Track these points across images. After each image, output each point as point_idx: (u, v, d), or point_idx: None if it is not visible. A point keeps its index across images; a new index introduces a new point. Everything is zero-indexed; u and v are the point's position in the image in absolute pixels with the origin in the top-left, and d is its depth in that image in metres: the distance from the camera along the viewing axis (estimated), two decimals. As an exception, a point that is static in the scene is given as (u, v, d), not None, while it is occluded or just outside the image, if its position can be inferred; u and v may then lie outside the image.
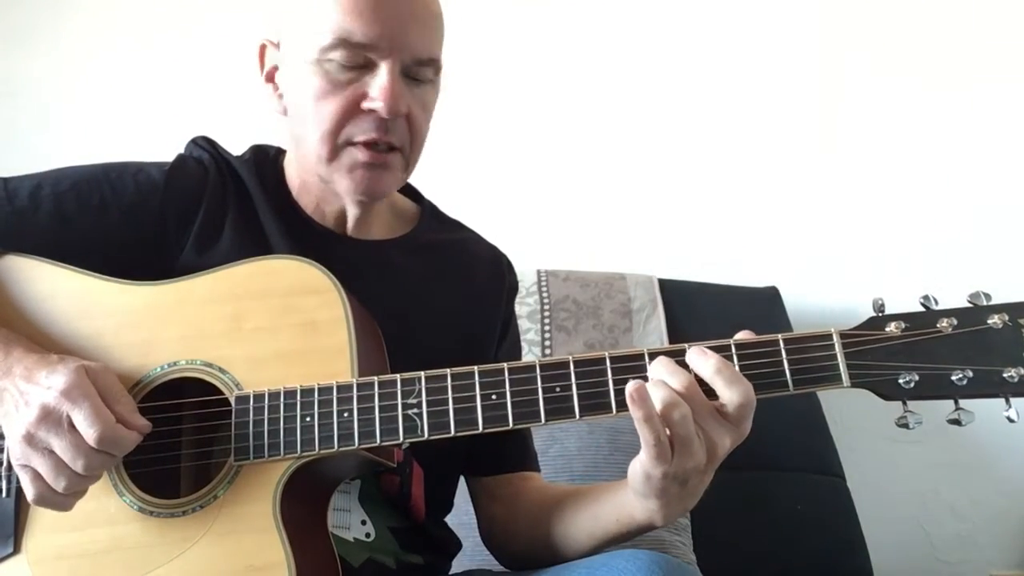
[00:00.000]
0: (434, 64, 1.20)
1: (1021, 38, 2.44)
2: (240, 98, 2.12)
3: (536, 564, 1.24)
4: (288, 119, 1.24)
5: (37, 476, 1.01)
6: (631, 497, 1.09)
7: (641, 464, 1.02)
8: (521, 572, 1.29)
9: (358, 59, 1.15)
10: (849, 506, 2.01)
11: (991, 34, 2.44)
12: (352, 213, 1.27)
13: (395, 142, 1.18)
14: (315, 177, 1.24)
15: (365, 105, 1.15)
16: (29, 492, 1.02)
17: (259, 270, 1.14)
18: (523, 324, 2.05)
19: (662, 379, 0.99)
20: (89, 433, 0.98)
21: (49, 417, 0.99)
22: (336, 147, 1.18)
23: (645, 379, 0.99)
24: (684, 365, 1.00)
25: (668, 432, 0.98)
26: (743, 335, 1.03)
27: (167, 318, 1.13)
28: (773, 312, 2.29)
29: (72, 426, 0.99)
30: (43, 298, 1.15)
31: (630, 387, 0.97)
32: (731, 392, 0.98)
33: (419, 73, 1.18)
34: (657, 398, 0.97)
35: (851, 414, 2.25)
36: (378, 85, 1.14)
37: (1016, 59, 2.43)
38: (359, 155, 1.17)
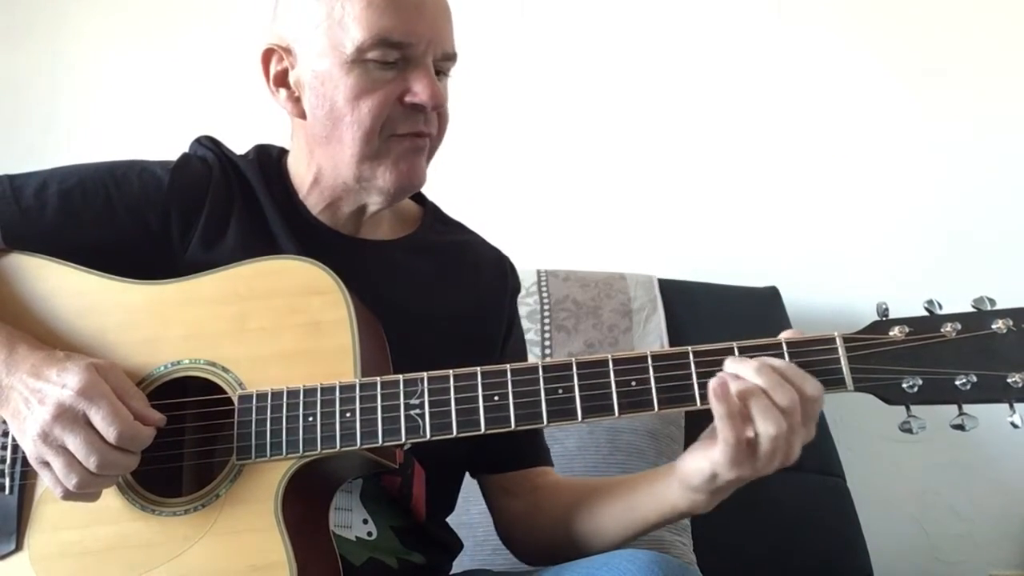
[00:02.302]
0: (455, 58, 1.24)
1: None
2: (244, 98, 2.12)
3: (561, 558, 1.23)
4: (309, 122, 1.23)
5: (54, 474, 1.02)
6: (675, 488, 1.10)
7: (711, 464, 1.01)
8: (522, 572, 1.29)
9: (395, 56, 1.17)
10: (849, 506, 2.00)
11: (989, 35, 2.44)
12: (374, 210, 1.28)
13: (433, 131, 1.23)
14: (340, 177, 1.24)
15: (408, 100, 1.18)
16: (54, 489, 1.03)
17: (263, 270, 1.14)
18: (523, 324, 2.04)
19: (771, 392, 0.97)
20: (109, 432, 1.00)
21: (65, 415, 1.00)
22: (380, 142, 1.20)
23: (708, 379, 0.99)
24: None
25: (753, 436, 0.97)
26: (788, 334, 1.03)
27: (171, 317, 1.14)
28: (773, 312, 2.29)
29: (88, 424, 1.00)
30: (48, 296, 1.16)
31: (720, 388, 0.97)
32: (808, 387, 0.98)
33: (443, 67, 1.23)
34: (763, 416, 0.96)
35: (851, 414, 2.25)
36: (420, 81, 1.18)
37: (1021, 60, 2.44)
38: (407, 145, 1.21)
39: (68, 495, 1.03)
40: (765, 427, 0.96)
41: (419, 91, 1.17)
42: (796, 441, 0.99)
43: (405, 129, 1.19)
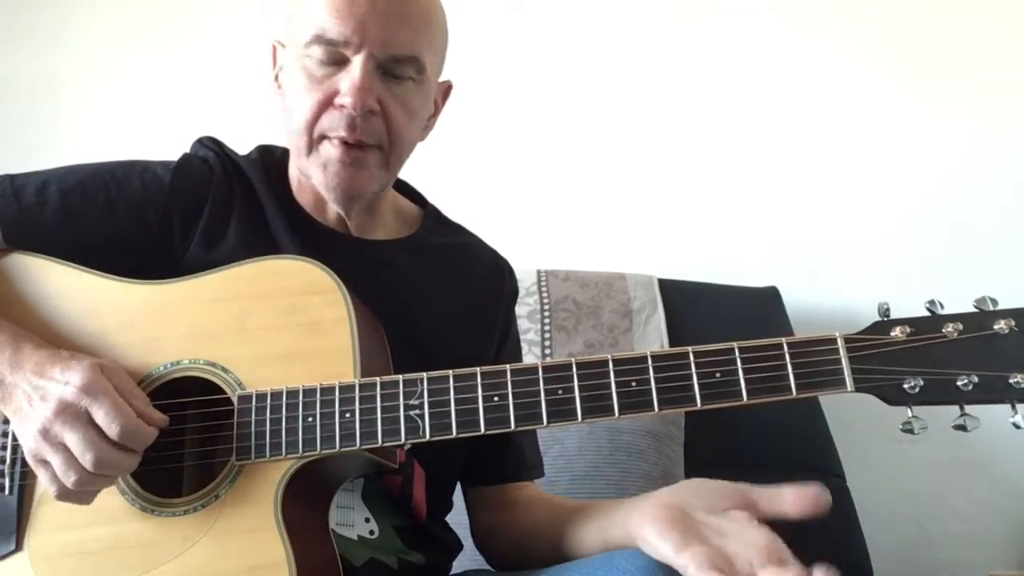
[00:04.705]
0: (415, 63, 1.19)
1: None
2: (246, 99, 2.13)
3: (527, 565, 1.25)
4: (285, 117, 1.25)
5: (53, 472, 1.02)
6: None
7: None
8: (521, 572, 1.29)
9: (334, 55, 1.16)
10: (849, 506, 2.00)
11: (988, 34, 2.44)
12: (336, 211, 1.27)
13: (368, 139, 1.19)
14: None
15: (337, 100, 1.16)
16: (50, 487, 1.03)
17: (263, 270, 1.14)
18: (523, 324, 2.05)
19: None
20: (112, 428, 0.99)
21: (66, 412, 1.00)
22: (312, 141, 1.19)
23: None
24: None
25: None
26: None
27: (171, 317, 1.14)
28: (773, 312, 2.29)
29: (90, 421, 1.00)
30: (49, 296, 1.16)
31: None
32: None
33: (397, 70, 1.19)
34: None
35: (851, 414, 2.24)
36: (348, 80, 1.15)
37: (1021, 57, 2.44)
38: (332, 151, 1.18)
39: (64, 495, 1.03)
40: None
41: (344, 91, 1.15)
42: None
43: (333, 133, 1.18)
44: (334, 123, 1.17)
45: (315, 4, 1.16)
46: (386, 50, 1.17)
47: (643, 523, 0.99)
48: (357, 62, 1.15)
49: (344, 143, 1.18)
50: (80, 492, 1.03)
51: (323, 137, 1.19)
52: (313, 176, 1.21)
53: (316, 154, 1.20)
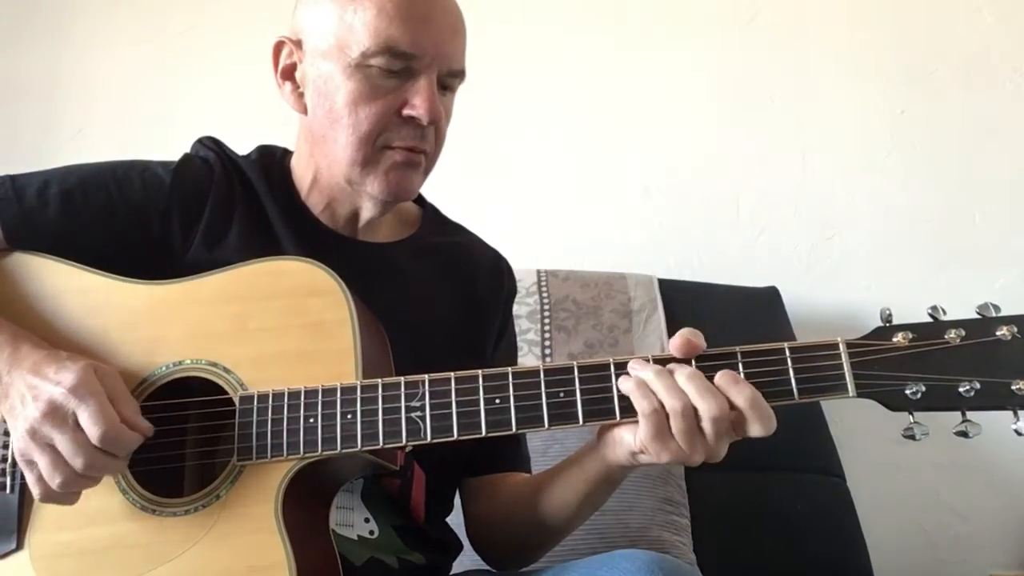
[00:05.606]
0: (462, 75, 1.24)
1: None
2: (247, 99, 2.12)
3: (517, 551, 1.30)
4: (309, 119, 1.25)
5: (39, 472, 1.02)
6: (606, 464, 1.13)
7: (635, 455, 1.06)
8: (520, 572, 1.29)
9: (399, 67, 1.17)
10: (849, 506, 2.00)
11: (986, 34, 2.44)
12: (368, 216, 1.28)
13: (428, 147, 1.22)
14: (334, 178, 1.25)
15: (406, 112, 1.18)
16: (34, 488, 1.03)
17: (265, 270, 1.14)
18: (523, 324, 2.05)
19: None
20: (93, 431, 0.99)
21: (55, 412, 1.00)
22: (373, 150, 1.20)
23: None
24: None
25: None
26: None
27: (173, 317, 1.14)
28: (773, 312, 2.28)
29: (76, 423, 1.00)
30: (50, 295, 1.16)
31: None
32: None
33: (449, 82, 1.22)
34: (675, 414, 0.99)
35: (852, 415, 2.25)
36: (420, 94, 1.17)
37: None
38: (397, 158, 1.20)
39: (48, 496, 1.03)
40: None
41: (418, 104, 1.17)
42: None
43: (399, 141, 1.20)
44: (400, 133, 1.19)
45: (378, 13, 1.16)
46: (446, 64, 1.20)
47: (602, 437, 1.11)
48: (427, 77, 1.18)
49: (410, 152, 1.20)
50: (64, 493, 1.03)
51: (385, 147, 1.20)
52: (369, 184, 1.22)
53: (376, 163, 1.21)
